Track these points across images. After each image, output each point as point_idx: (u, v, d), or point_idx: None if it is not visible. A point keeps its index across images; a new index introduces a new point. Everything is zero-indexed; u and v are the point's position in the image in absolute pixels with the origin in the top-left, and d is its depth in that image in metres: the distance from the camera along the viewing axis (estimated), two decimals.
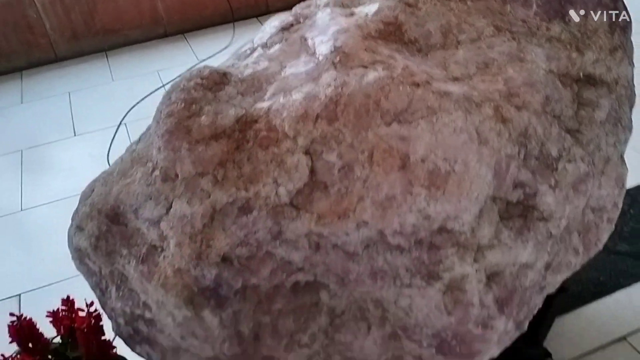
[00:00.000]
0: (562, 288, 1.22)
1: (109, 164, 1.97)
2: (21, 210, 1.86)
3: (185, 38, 2.77)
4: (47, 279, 1.58)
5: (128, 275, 0.91)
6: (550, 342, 1.29)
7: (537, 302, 1.05)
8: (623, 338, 1.30)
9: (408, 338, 0.94)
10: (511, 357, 1.28)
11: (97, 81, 2.52)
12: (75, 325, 1.01)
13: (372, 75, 0.84)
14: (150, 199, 0.89)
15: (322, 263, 0.88)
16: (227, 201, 0.86)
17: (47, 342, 1.04)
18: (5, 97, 2.47)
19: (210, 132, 0.87)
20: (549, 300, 1.15)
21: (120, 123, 2.22)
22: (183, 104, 0.89)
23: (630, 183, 1.65)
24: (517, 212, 0.91)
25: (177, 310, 0.88)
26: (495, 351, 0.98)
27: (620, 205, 1.11)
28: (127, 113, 2.25)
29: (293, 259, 0.87)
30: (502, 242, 0.88)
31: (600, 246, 1.12)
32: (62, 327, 1.06)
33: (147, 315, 0.91)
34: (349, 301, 0.93)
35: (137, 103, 2.29)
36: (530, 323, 1.21)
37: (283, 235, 0.86)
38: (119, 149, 1.90)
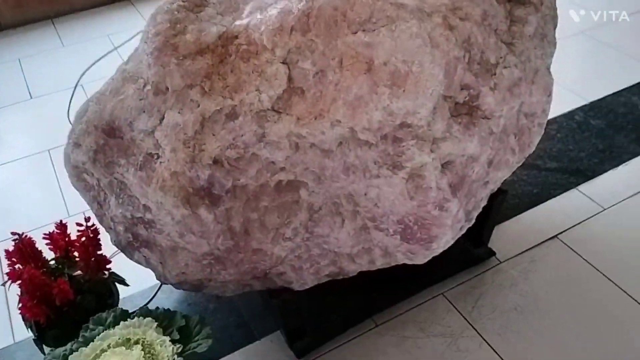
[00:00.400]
0: (502, 190, 1.41)
1: (70, 123, 2.02)
2: None
3: (132, 3, 2.79)
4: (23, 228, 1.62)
5: (127, 182, 1.01)
6: (494, 244, 1.48)
7: (482, 195, 1.22)
8: (555, 236, 1.51)
9: (376, 228, 1.09)
10: (461, 256, 1.47)
11: (47, 47, 2.52)
12: (75, 240, 1.10)
13: None
14: (144, 111, 0.99)
15: (301, 162, 1.01)
16: (215, 109, 0.97)
17: (46, 260, 1.12)
18: None
19: (196, 48, 0.97)
20: (491, 201, 1.34)
21: (76, 84, 2.22)
22: (168, 24, 0.98)
23: (556, 112, 1.87)
24: (464, 110, 1.06)
25: (175, 209, 0.98)
26: (449, 237, 1.14)
27: (548, 112, 1.29)
28: (82, 74, 2.26)
29: (276, 158, 1.00)
30: (453, 135, 1.03)
31: (533, 147, 1.30)
32: (57, 249, 1.15)
33: (148, 216, 1.01)
34: (325, 197, 1.06)
35: (93, 64, 2.29)
36: (476, 224, 1.40)
37: (266, 137, 0.98)
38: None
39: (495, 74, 1.09)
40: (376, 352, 1.27)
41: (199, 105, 0.97)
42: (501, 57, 1.10)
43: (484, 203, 1.26)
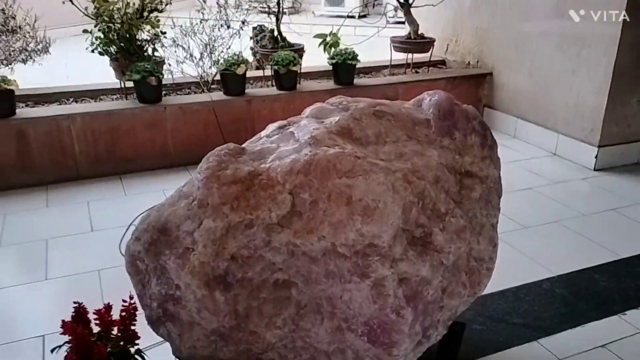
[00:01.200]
0: (460, 323, 1.70)
1: (120, 253, 2.44)
2: (45, 279, 2.27)
3: (187, 169, 3.40)
4: None
5: (167, 267, 1.38)
6: None
7: (439, 317, 1.52)
8: None
9: (348, 329, 1.40)
10: None
11: (112, 195, 3.07)
12: (115, 321, 1.43)
13: (332, 151, 1.42)
14: (189, 218, 1.40)
15: (295, 265, 1.37)
16: (238, 220, 1.38)
17: (92, 330, 1.45)
18: (33, 202, 2.97)
19: (232, 179, 1.42)
20: (452, 334, 1.63)
21: (129, 225, 2.72)
22: (216, 163, 1.45)
23: (527, 280, 2.19)
24: (420, 242, 1.43)
25: (198, 289, 1.34)
26: (408, 345, 1.42)
27: (495, 260, 1.64)
28: (136, 217, 2.77)
29: (276, 260, 1.37)
30: (408, 258, 1.39)
31: (483, 288, 1.63)
32: (102, 323, 1.48)
33: (177, 293, 1.36)
34: (310, 297, 1.39)
35: (146, 210, 2.81)
36: (440, 353, 1.68)
37: (271, 243, 1.36)
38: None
39: (444, 220, 1.48)
40: None
41: (227, 217, 1.38)
42: (450, 209, 1.51)
43: (442, 327, 1.55)
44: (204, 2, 3.69)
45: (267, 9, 3.95)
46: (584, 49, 3.38)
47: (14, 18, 3.57)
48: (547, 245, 2.54)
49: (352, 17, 9.94)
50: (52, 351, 1.49)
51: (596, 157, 3.38)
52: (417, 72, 4.36)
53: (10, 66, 3.59)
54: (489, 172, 1.67)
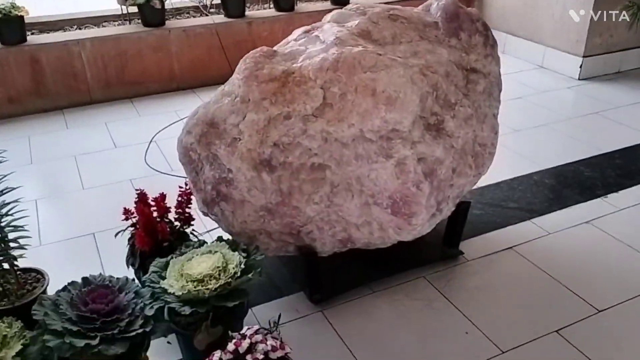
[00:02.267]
0: (466, 202, 1.96)
1: (147, 164, 2.64)
2: (82, 188, 2.47)
3: (194, 92, 3.55)
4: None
5: (218, 154, 1.59)
6: (464, 249, 1.99)
7: (449, 194, 1.77)
8: (510, 248, 2.01)
9: (374, 203, 1.64)
10: (438, 252, 1.97)
11: (127, 116, 3.23)
12: (169, 207, 1.65)
13: (356, 49, 1.61)
14: (233, 112, 1.60)
15: (328, 150, 1.59)
16: (277, 113, 1.58)
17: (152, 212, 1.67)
18: (53, 125, 3.13)
19: (269, 77, 1.60)
20: (459, 210, 1.88)
21: (151, 140, 2.90)
22: (253, 63, 1.63)
23: (518, 173, 2.45)
24: (434, 128, 1.65)
25: (247, 171, 1.56)
26: (425, 215, 1.67)
27: (495, 145, 1.88)
28: (156, 134, 2.95)
29: (312, 146, 1.58)
30: (425, 141, 1.62)
31: (486, 169, 1.87)
32: (159, 208, 1.70)
33: (229, 176, 1.58)
34: (342, 177, 1.62)
35: (164, 128, 3.00)
36: (449, 229, 1.94)
37: (307, 131, 1.57)
38: (153, 158, 2.66)
39: (454, 109, 1.70)
40: (372, 307, 1.75)
41: (267, 110, 1.58)
42: (459, 100, 1.72)
43: (452, 204, 1.80)
44: None
45: None
46: None
47: None
48: (536, 145, 2.79)
49: None
50: (115, 235, 1.72)
51: (580, 67, 3.60)
52: None
53: None
54: (491, 69, 1.87)
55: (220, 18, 3.66)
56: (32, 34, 3.48)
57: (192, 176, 1.68)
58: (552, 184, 2.43)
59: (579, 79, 3.62)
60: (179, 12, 3.88)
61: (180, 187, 1.67)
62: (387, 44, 1.73)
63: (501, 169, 2.49)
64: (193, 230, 1.72)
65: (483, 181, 2.38)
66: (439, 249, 1.98)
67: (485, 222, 2.17)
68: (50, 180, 2.59)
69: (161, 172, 2.59)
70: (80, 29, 3.61)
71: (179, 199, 1.66)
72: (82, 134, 3.02)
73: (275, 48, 1.74)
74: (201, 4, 3.79)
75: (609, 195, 2.33)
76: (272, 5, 3.83)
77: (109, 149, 2.85)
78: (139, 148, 2.82)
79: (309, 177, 1.61)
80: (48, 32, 3.52)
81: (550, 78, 3.69)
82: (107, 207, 2.28)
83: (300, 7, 3.91)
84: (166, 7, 3.70)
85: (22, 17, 3.12)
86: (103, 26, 3.67)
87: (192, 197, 1.69)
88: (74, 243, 2.10)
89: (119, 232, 1.71)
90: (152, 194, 1.67)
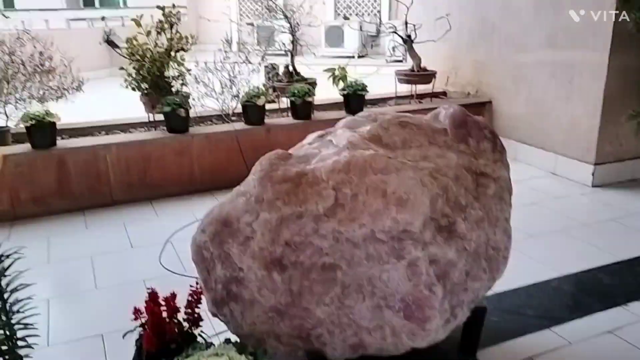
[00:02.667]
0: (484, 308, 1.91)
1: (161, 265, 2.66)
2: (95, 288, 2.47)
3: (213, 194, 3.64)
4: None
5: (231, 253, 1.60)
6: (482, 357, 1.91)
7: (464, 298, 1.73)
8: (530, 358, 1.93)
9: (386, 306, 1.61)
10: None
11: (146, 217, 3.30)
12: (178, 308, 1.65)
13: (367, 152, 1.67)
14: (247, 212, 1.63)
15: (339, 250, 1.60)
16: (290, 212, 1.61)
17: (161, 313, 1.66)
18: (73, 225, 3.20)
19: (282, 178, 1.66)
20: (475, 316, 1.83)
21: (166, 241, 2.94)
22: (268, 165, 1.69)
23: (536, 279, 2.40)
24: (446, 229, 1.66)
25: (259, 270, 1.56)
26: (439, 321, 1.63)
27: (509, 249, 1.86)
28: (172, 235, 2.99)
29: (323, 245, 1.59)
30: (437, 242, 1.62)
31: (501, 274, 1.84)
32: (169, 309, 1.69)
33: (240, 275, 1.58)
34: (353, 278, 1.61)
35: (181, 228, 3.04)
36: (465, 337, 1.88)
37: (319, 231, 1.59)
38: (167, 259, 2.70)
39: (465, 211, 1.72)
40: None
41: (280, 210, 1.61)
42: (469, 202, 1.74)
43: (467, 309, 1.76)
44: (226, 42, 4.01)
45: (283, 48, 4.27)
46: (575, 76, 3.68)
47: (51, 59, 3.89)
48: (552, 251, 2.76)
49: (352, 57, 10.39)
50: (123, 336, 1.70)
51: (593, 174, 3.64)
52: (420, 102, 4.67)
53: (44, 104, 3.89)
54: (501, 173, 1.91)
55: (240, 125, 3.84)
56: (62, 138, 3.67)
57: (203, 275, 1.68)
58: (571, 291, 2.37)
59: (592, 186, 3.64)
60: (202, 120, 4.08)
61: (191, 286, 1.67)
62: (397, 148, 1.79)
63: (518, 274, 2.45)
64: (201, 331, 1.69)
65: (499, 287, 2.34)
66: (455, 358, 1.91)
67: (503, 329, 2.10)
68: (64, 280, 2.60)
69: (174, 273, 2.59)
70: (107, 134, 3.80)
71: (189, 298, 1.65)
72: (101, 234, 3.07)
73: (290, 151, 1.82)
74: (223, 112, 4.00)
75: (629, 304, 2.26)
76: (290, 114, 4.02)
77: (126, 249, 2.89)
78: (154, 249, 2.84)
79: (320, 277, 1.60)
80: (77, 137, 3.71)
81: (564, 185, 3.72)
82: (118, 308, 2.25)
83: (317, 115, 4.09)
84: (191, 115, 3.91)
85: (54, 123, 3.31)
86: (130, 132, 3.86)
87: (202, 296, 1.68)
88: (81, 344, 2.07)
89: (127, 332, 1.68)
90: (163, 295, 1.67)
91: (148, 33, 3.61)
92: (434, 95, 4.81)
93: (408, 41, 4.55)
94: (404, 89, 4.77)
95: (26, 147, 3.33)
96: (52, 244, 2.95)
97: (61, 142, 3.44)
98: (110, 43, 4.01)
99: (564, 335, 2.06)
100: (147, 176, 3.56)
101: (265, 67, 4.71)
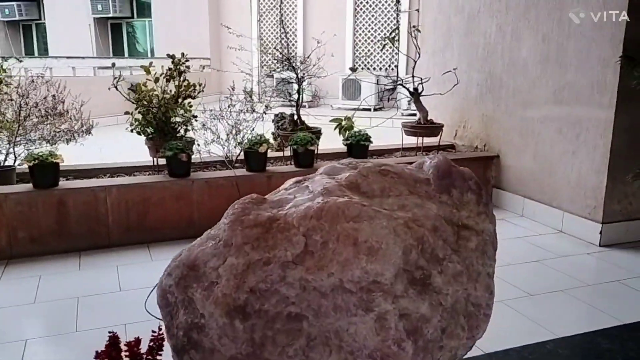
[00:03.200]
0: None
1: (146, 310, 2.61)
2: (75, 331, 2.43)
3: None
4: None
5: (194, 298, 1.56)
6: None
7: (439, 357, 1.64)
8: None
9: None
10: None
11: (140, 260, 3.27)
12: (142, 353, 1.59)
13: (341, 199, 1.63)
14: (215, 256, 1.60)
15: (306, 299, 1.54)
16: (258, 258, 1.57)
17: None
18: (66, 266, 3.18)
19: (253, 223, 1.62)
20: None
21: (154, 286, 2.89)
22: (240, 209, 1.66)
23: (531, 340, 2.28)
24: (420, 282, 1.60)
25: (220, 318, 1.51)
26: None
27: (492, 307, 1.77)
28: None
29: (290, 294, 1.54)
30: (409, 295, 1.55)
31: (481, 333, 1.75)
32: (131, 355, 1.64)
33: (201, 321, 1.52)
34: (320, 330, 1.55)
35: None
36: None
37: (286, 279, 1.54)
38: (153, 304, 2.60)
39: (442, 264, 1.65)
40: None
41: (248, 255, 1.57)
42: (447, 255, 1.68)
43: None
44: (232, 89, 4.09)
45: (288, 98, 4.33)
46: (582, 132, 3.63)
47: (63, 102, 4.00)
48: (551, 311, 2.63)
49: (368, 109, 10.51)
50: None
51: (600, 233, 3.52)
52: (427, 154, 4.63)
53: (55, 145, 3.97)
54: (485, 226, 1.85)
55: (242, 172, 3.85)
56: (68, 179, 3.72)
57: (167, 320, 1.63)
58: (567, 355, 2.24)
59: (599, 245, 3.52)
60: (206, 165, 4.11)
61: (154, 331, 1.62)
62: (375, 196, 1.76)
63: (511, 335, 2.35)
64: None
65: (489, 347, 2.24)
66: None
67: None
68: (46, 321, 2.57)
69: (158, 319, 2.52)
70: (112, 176, 3.84)
71: (151, 344, 1.60)
72: (92, 276, 3.06)
73: (266, 196, 1.79)
74: (227, 159, 4.02)
75: None
76: (292, 162, 4.02)
77: (114, 292, 2.85)
78: (142, 293, 2.80)
79: (285, 328, 1.54)
80: (83, 179, 3.76)
81: (570, 243, 3.60)
82: (92, 352, 2.20)
83: (320, 164, 4.09)
84: (194, 160, 3.95)
85: (57, 163, 3.36)
86: (134, 175, 3.90)
87: (164, 343, 1.62)
88: None
89: None
90: (145, 341, 1.63)
91: (156, 80, 3.70)
92: (441, 148, 4.79)
93: (415, 93, 4.57)
94: (413, 141, 4.77)
95: (28, 186, 3.37)
96: (42, 284, 2.93)
97: (63, 183, 3.48)
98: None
99: None
100: (146, 219, 3.56)
101: (275, 115, 4.77)
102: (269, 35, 13.73)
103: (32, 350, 2.27)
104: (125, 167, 3.99)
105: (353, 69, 3.96)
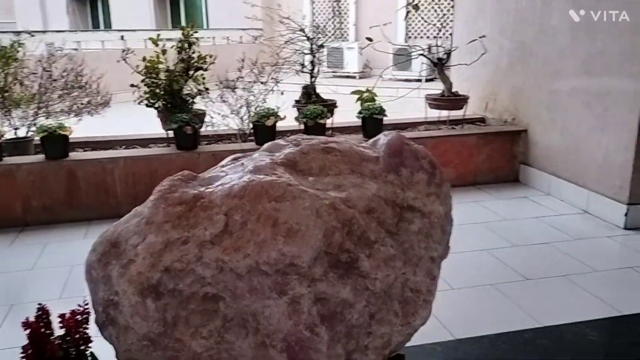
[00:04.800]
0: (402, 356, 1.71)
1: None
2: (59, 298, 2.52)
3: None
4: None
5: (112, 275, 1.55)
6: None
7: (367, 343, 1.56)
8: None
9: (270, 345, 1.48)
10: None
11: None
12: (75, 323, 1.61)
13: (267, 178, 1.56)
14: (136, 234, 1.58)
15: (222, 280, 1.49)
16: (177, 237, 1.53)
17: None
18: (73, 234, 3.31)
19: (178, 201, 1.59)
20: None
21: None
22: (167, 186, 1.63)
23: (509, 328, 2.14)
24: (344, 266, 1.51)
25: (132, 296, 1.49)
26: None
27: (434, 293, 1.66)
28: None
29: (206, 275, 1.50)
30: (328, 279, 1.47)
31: (419, 319, 1.64)
32: (67, 326, 1.66)
33: (116, 299, 1.52)
34: (237, 312, 1.50)
35: None
36: None
37: (202, 259, 1.50)
38: None
39: (372, 248, 1.55)
40: None
41: (167, 233, 1.54)
42: (380, 238, 1.57)
43: (374, 355, 1.58)
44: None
45: (301, 68, 4.24)
46: (610, 106, 3.32)
47: (82, 76, 4.11)
48: (543, 297, 2.45)
49: (419, 80, 10.16)
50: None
51: (626, 215, 3.23)
52: (453, 128, 4.42)
53: (79, 117, 4.11)
54: (433, 208, 1.72)
55: (251, 145, 3.82)
56: (85, 150, 3.84)
57: (92, 296, 1.64)
58: (545, 346, 2.08)
59: (624, 228, 3.24)
60: (220, 138, 4.12)
61: (79, 305, 1.63)
62: (312, 175, 1.67)
63: (489, 320, 2.22)
64: (92, 353, 1.64)
65: (460, 333, 2.13)
66: None
67: None
68: (34, 288, 2.68)
69: None
70: (126, 148, 3.92)
71: (76, 317, 1.62)
72: None
73: (201, 173, 1.75)
74: (240, 132, 4.01)
75: None
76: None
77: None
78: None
79: (199, 308, 1.50)
80: (99, 150, 3.87)
81: (592, 225, 3.34)
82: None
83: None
84: (208, 133, 3.96)
85: (65, 135, 3.46)
86: (149, 147, 3.97)
87: (89, 316, 1.63)
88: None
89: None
90: None
91: (164, 52, 3.71)
92: (471, 121, 4.55)
93: (438, 64, 4.34)
94: (438, 113, 4.56)
95: (40, 157, 3.51)
96: (45, 252, 3.06)
97: (72, 154, 3.59)
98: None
99: None
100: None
101: (303, 87, 4.69)
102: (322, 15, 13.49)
103: (13, 317, 2.38)
104: (141, 139, 4.06)
105: (369, 39, 3.74)
